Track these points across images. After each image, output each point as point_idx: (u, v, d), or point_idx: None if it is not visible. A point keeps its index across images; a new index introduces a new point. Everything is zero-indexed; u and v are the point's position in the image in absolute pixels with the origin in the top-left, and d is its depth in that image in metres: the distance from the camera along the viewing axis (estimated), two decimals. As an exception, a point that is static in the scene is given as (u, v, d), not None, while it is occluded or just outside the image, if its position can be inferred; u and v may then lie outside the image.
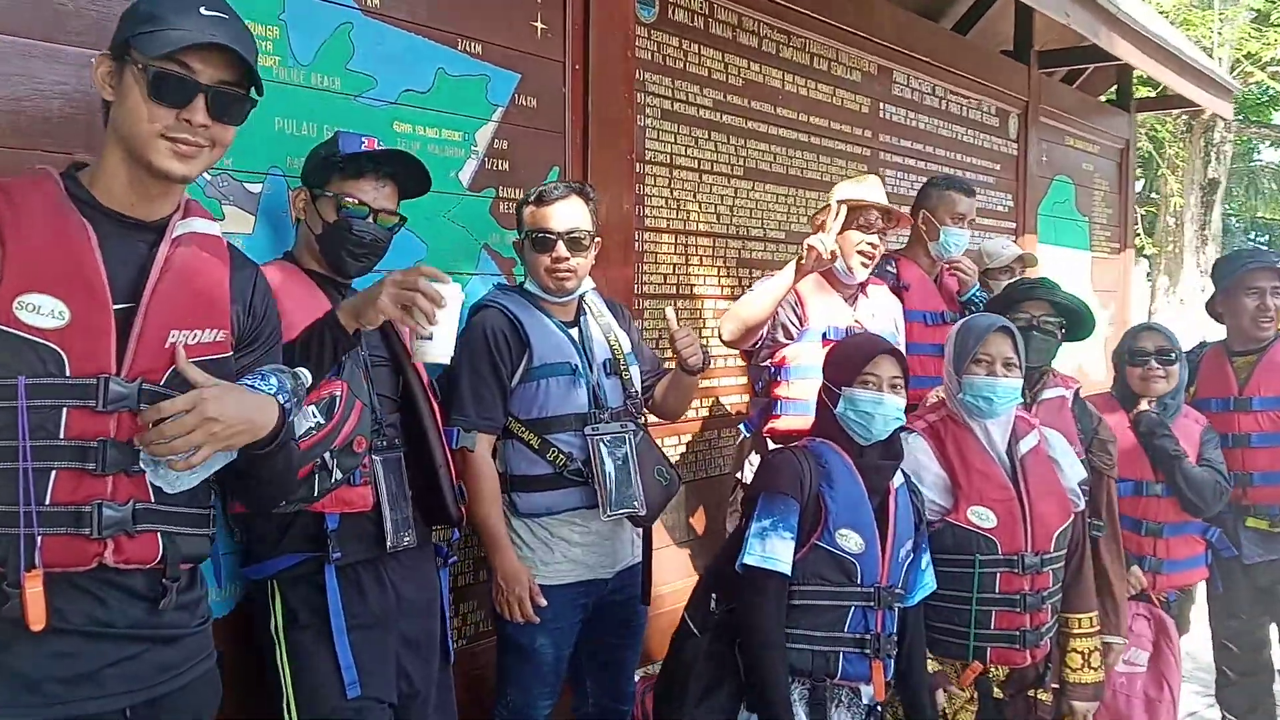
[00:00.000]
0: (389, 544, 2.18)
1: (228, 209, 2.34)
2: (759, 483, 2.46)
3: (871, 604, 2.35)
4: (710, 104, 3.76)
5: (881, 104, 4.72)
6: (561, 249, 2.61)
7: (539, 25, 3.08)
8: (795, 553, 2.32)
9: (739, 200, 3.91)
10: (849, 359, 2.48)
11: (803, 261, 2.94)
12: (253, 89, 1.66)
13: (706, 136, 3.75)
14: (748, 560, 2.30)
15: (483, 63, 2.91)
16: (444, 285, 1.93)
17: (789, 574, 2.30)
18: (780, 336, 3.27)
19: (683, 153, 3.65)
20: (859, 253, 3.28)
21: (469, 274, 2.90)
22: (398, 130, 2.70)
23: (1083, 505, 2.82)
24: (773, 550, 2.29)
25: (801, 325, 3.27)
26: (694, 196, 3.71)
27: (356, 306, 1.96)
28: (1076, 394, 3.26)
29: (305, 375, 1.78)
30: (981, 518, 2.62)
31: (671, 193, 3.61)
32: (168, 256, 1.62)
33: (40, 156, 1.99)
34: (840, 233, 3.15)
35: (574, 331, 2.68)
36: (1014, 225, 5.90)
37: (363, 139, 2.23)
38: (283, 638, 2.13)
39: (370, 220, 2.24)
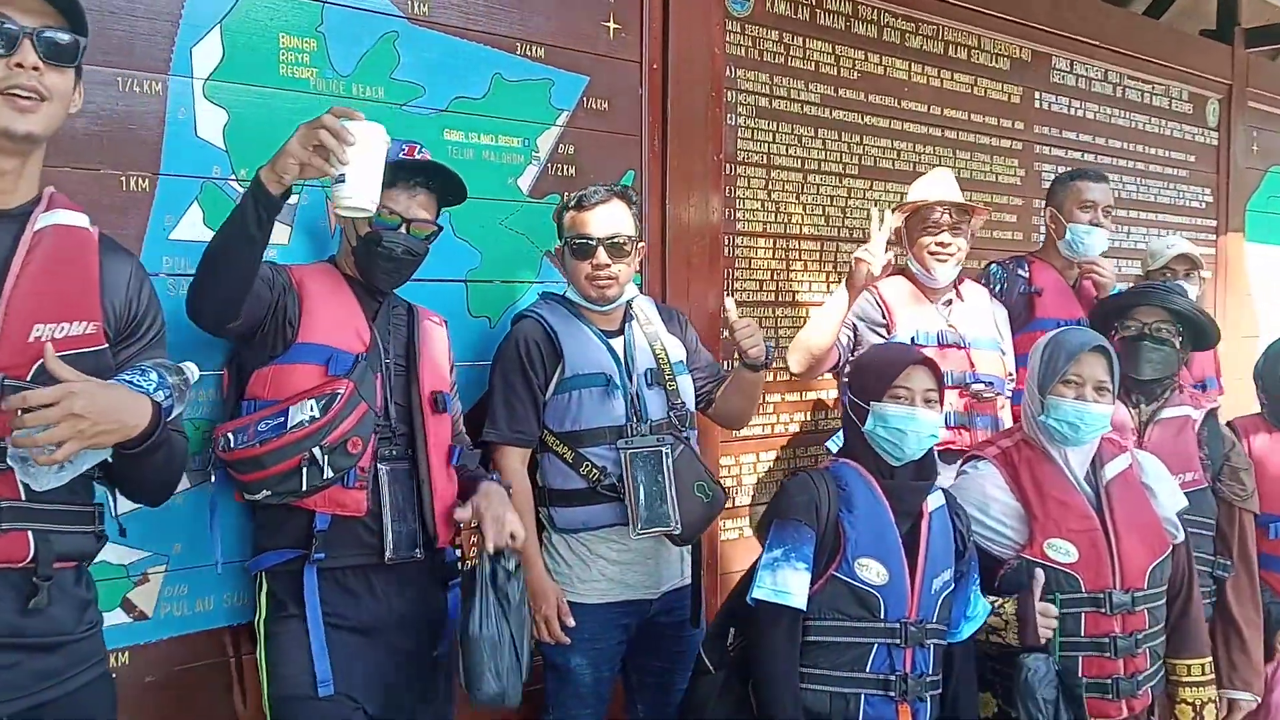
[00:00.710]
0: (387, 555, 2.15)
1: (261, 220, 2.38)
2: (772, 509, 2.27)
3: (897, 641, 2.13)
4: (817, 99, 3.55)
5: (1037, 93, 4.33)
6: (602, 255, 2.51)
7: (611, 25, 2.99)
8: (811, 585, 2.13)
9: (853, 201, 3.67)
10: (878, 370, 2.26)
11: (853, 277, 2.76)
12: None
13: (813, 134, 3.54)
14: (757, 594, 2.13)
15: (546, 66, 2.85)
16: (357, 123, 1.82)
17: (803, 608, 2.12)
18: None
19: (783, 152, 3.46)
20: (930, 254, 3.06)
21: (529, 282, 2.85)
22: (448, 138, 2.68)
23: (1182, 536, 2.47)
24: (784, 582, 2.11)
25: (889, 334, 3.04)
26: (796, 198, 3.51)
27: (273, 160, 1.86)
28: (1210, 414, 2.86)
29: (191, 370, 1.77)
30: (1060, 551, 2.33)
31: (769, 194, 3.43)
32: (30, 248, 1.60)
33: (65, 174, 2.08)
34: (915, 238, 3.04)
35: (616, 341, 2.58)
36: (1214, 222, 5.30)
37: (404, 146, 2.21)
38: (263, 631, 2.14)
39: (402, 231, 2.21)
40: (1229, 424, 3.06)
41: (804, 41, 3.50)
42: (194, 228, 2.28)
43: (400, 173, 2.21)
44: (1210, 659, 2.53)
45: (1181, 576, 2.49)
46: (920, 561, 2.18)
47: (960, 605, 2.27)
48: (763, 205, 3.40)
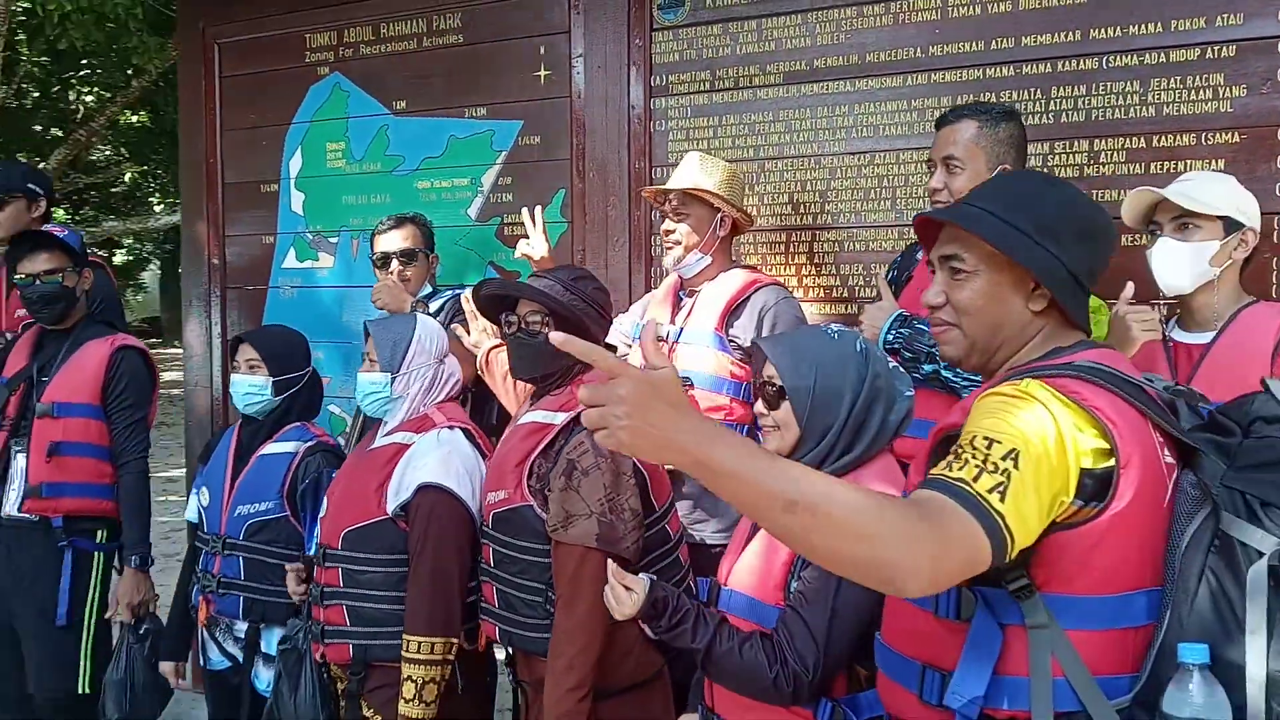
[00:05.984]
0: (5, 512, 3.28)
1: (320, 254, 4.10)
2: None
3: (210, 549, 2.84)
4: (779, 79, 3.23)
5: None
6: (395, 265, 3.47)
7: (543, 73, 3.63)
8: None
9: (812, 187, 3.19)
10: None
11: None
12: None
13: (770, 119, 3.25)
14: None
15: (486, 121, 3.75)
16: None
17: None
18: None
19: (730, 144, 3.31)
20: (663, 242, 2.97)
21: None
22: (419, 187, 3.89)
23: (392, 509, 2.45)
24: None
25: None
26: (750, 188, 3.29)
27: None
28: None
29: None
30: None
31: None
32: None
33: (234, 238, 4.26)
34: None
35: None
36: None
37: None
38: None
39: (36, 284, 3.22)
40: None
41: (741, 27, 3.26)
42: (291, 260, 4.17)
43: (22, 247, 3.28)
44: (442, 639, 2.33)
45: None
46: (231, 491, 2.83)
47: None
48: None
